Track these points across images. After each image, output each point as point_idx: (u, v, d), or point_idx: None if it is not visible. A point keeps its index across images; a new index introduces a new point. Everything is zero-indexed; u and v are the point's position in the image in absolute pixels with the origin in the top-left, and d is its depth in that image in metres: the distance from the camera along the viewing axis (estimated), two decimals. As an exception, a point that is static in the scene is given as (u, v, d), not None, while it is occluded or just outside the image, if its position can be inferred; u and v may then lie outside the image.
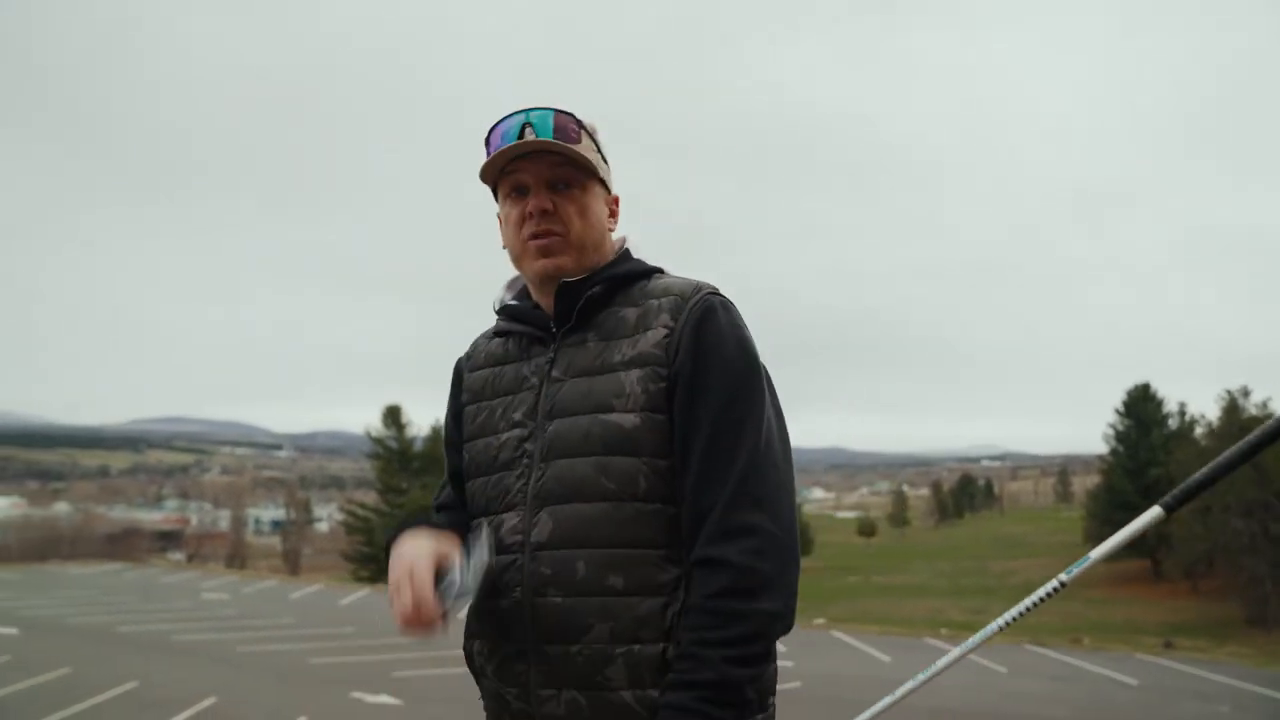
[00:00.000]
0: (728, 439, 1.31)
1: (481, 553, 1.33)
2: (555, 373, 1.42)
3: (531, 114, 1.42)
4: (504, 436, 1.44)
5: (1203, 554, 32.07)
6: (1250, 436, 1.35)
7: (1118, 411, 45.18)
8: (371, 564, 36.54)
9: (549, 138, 1.40)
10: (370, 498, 43.58)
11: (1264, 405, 32.57)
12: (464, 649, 1.49)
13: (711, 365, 1.33)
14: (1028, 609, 1.47)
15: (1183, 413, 43.94)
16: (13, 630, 14.43)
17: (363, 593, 23.52)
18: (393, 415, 39.65)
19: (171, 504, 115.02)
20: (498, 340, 1.55)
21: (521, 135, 1.41)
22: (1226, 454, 1.37)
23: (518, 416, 1.44)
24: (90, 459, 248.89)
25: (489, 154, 1.45)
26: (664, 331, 1.36)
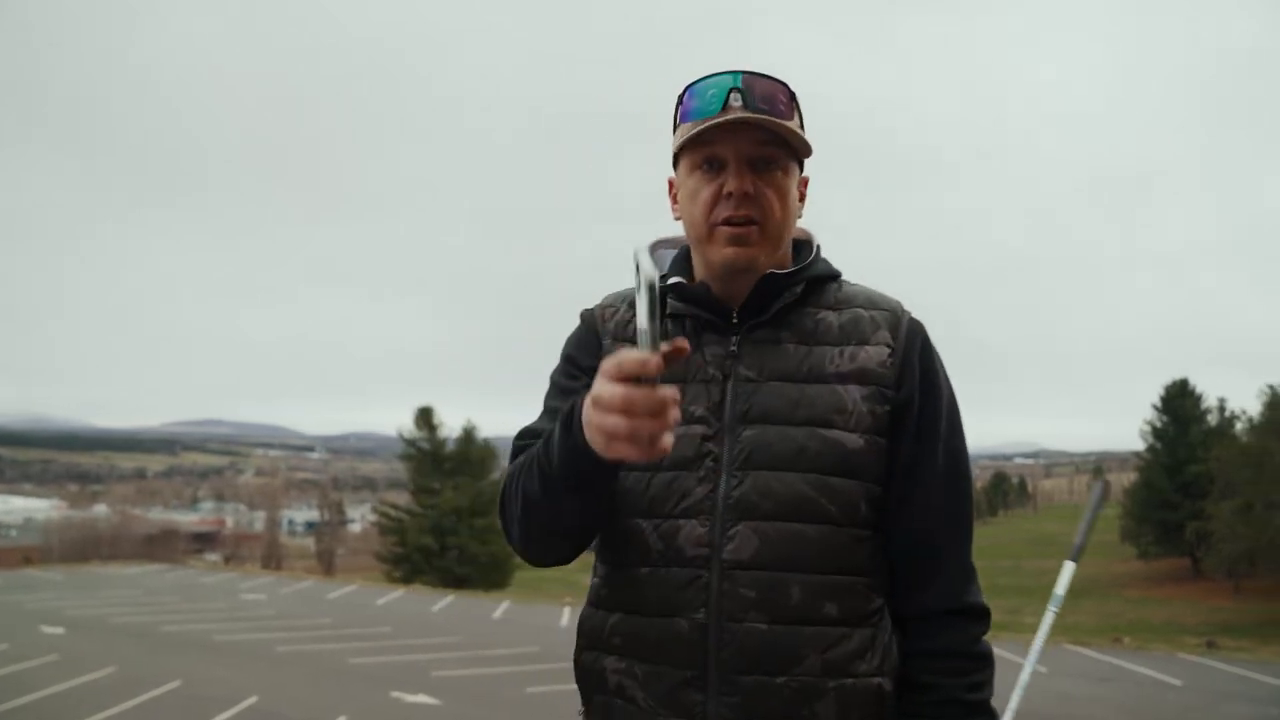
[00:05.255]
0: (955, 476, 1.30)
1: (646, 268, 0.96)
2: (745, 370, 1.26)
3: (740, 78, 1.24)
4: (677, 430, 1.18)
5: (1244, 552, 31.44)
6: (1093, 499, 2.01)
7: (1155, 408, 44.52)
8: (405, 564, 36.84)
9: (758, 109, 1.23)
10: (403, 498, 43.93)
11: (1308, 400, 31.90)
12: (582, 662, 1.32)
13: (938, 396, 1.30)
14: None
15: (1222, 409, 43.25)
16: (59, 630, 14.69)
17: (399, 593, 23.70)
18: (425, 417, 39.94)
19: (207, 505, 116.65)
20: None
21: (726, 103, 1.23)
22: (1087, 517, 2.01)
23: (697, 411, 1.25)
24: (127, 461, 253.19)
25: (684, 117, 1.28)
26: (886, 350, 1.27)
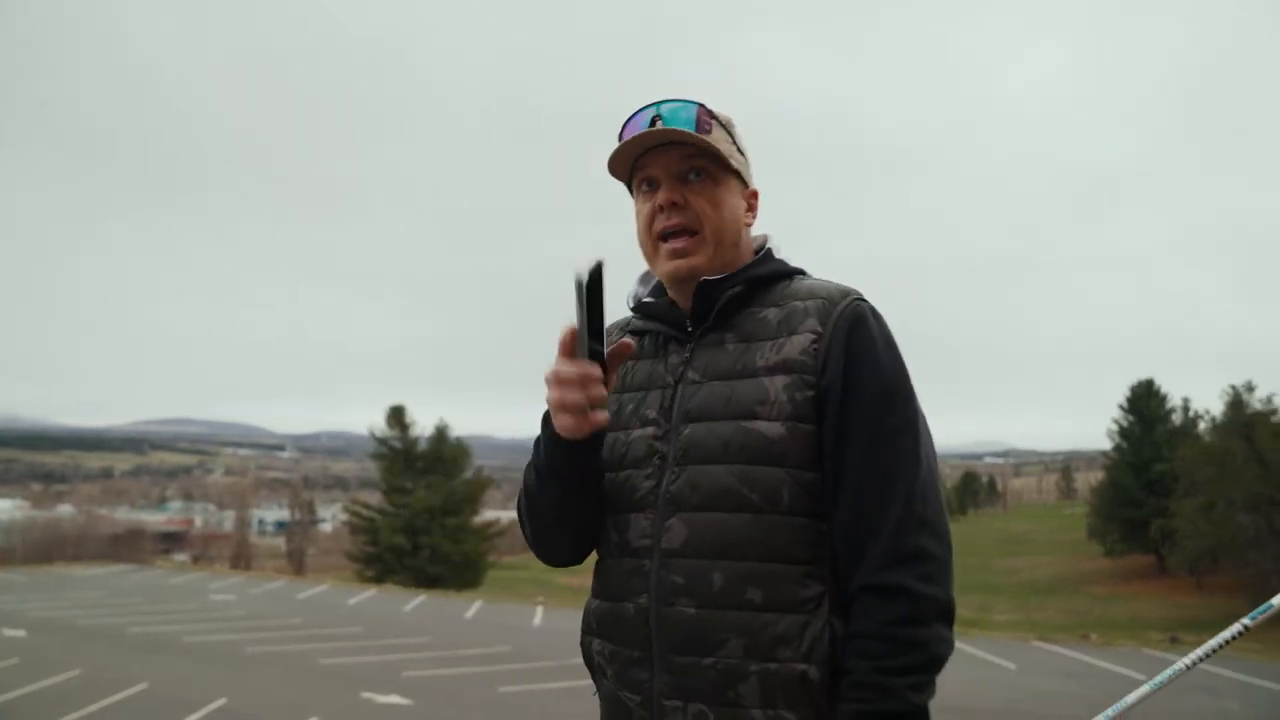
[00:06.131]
0: (887, 454, 1.27)
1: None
2: (691, 374, 1.37)
3: (662, 106, 1.37)
4: (635, 434, 1.39)
5: (1207, 550, 31.96)
6: None
7: (1121, 408, 45.15)
8: (377, 564, 36.58)
9: (678, 128, 1.36)
10: (374, 498, 43.61)
11: (1269, 400, 32.41)
12: (581, 644, 1.46)
13: (864, 374, 1.28)
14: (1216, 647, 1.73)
15: (1186, 409, 43.90)
16: (21, 633, 14.44)
17: (370, 593, 23.55)
18: (397, 415, 39.69)
19: (175, 505, 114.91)
20: (633, 336, 1.49)
21: (651, 127, 1.36)
22: None
23: (651, 414, 1.38)
24: (94, 461, 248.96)
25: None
26: (811, 337, 1.30)
